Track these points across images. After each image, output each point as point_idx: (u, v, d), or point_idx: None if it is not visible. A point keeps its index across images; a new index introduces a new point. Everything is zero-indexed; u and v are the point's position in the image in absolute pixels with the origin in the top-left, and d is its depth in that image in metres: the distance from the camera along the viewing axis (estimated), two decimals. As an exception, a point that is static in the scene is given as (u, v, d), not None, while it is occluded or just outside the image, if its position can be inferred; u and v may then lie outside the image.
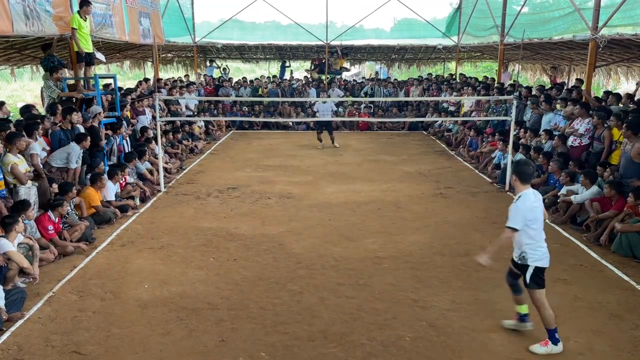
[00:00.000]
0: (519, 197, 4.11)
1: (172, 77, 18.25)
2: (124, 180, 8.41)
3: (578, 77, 14.28)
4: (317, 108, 14.07)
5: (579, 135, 8.49)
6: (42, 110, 9.41)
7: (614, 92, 10.04)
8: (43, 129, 7.57)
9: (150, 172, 9.51)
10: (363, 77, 22.63)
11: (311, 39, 18.99)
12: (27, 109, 8.36)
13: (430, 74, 20.34)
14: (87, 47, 9.12)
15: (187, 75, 20.07)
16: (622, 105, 9.05)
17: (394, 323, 4.60)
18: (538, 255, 4.08)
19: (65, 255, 6.09)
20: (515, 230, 4.04)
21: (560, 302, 4.98)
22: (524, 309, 4.40)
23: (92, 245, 6.49)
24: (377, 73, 25.90)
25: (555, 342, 4.13)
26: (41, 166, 6.81)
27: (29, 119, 7.45)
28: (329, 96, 17.90)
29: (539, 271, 4.10)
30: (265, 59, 24.36)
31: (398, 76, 23.15)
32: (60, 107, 8.12)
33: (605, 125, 7.99)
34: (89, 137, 7.81)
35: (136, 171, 9.14)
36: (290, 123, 16.62)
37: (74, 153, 7.41)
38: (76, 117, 7.96)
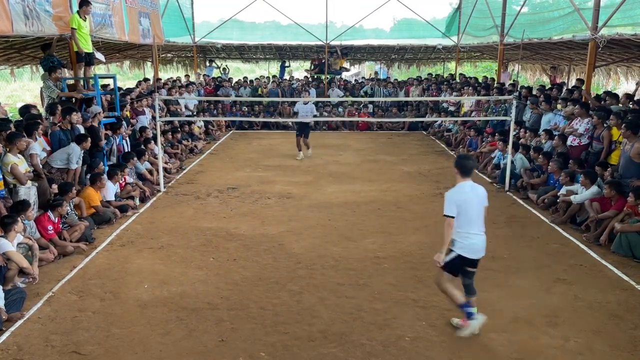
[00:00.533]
0: (455, 186, 4.31)
1: (172, 77, 18.24)
2: (123, 180, 8.41)
3: (578, 77, 14.28)
4: (298, 109, 12.12)
5: (578, 135, 8.50)
6: (42, 110, 9.40)
7: (612, 92, 10.04)
8: (43, 129, 7.56)
9: (150, 172, 9.51)
10: (362, 77, 22.63)
11: (311, 39, 18.99)
12: (26, 109, 8.35)
13: (430, 74, 20.34)
14: (87, 47, 9.11)
15: (187, 75, 20.07)
16: (621, 106, 9.06)
17: (394, 323, 4.60)
18: (464, 244, 4.24)
19: (65, 255, 6.09)
20: (450, 217, 4.19)
21: (560, 302, 4.99)
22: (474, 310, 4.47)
23: (92, 245, 6.49)
24: (376, 73, 25.90)
25: (470, 315, 4.29)
26: (41, 166, 6.81)
27: (28, 119, 7.44)
28: (328, 96, 17.95)
29: (459, 259, 4.26)
30: (265, 59, 24.35)
31: (398, 76, 23.16)
32: (59, 107, 8.11)
33: (605, 125, 7.99)
34: (89, 138, 7.80)
35: (136, 171, 9.14)
36: (290, 123, 16.61)
37: (75, 154, 7.41)
38: (76, 117, 7.95)
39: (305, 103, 12.08)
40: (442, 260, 4.25)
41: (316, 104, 17.20)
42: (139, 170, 9.21)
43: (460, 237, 4.24)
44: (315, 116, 12.50)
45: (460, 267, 4.32)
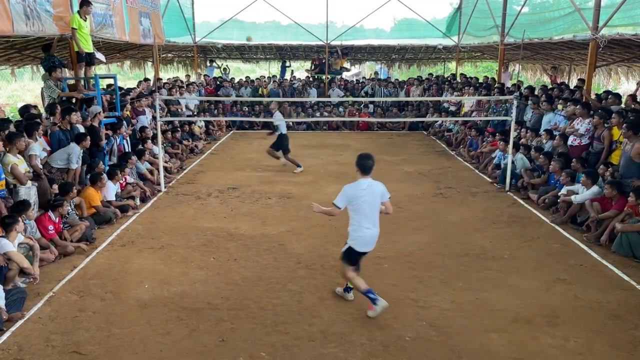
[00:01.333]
0: (354, 182, 4.61)
1: (172, 78, 18.24)
2: (124, 180, 8.41)
3: (579, 77, 14.27)
4: (279, 122, 11.09)
5: (579, 135, 8.49)
6: (42, 110, 9.41)
7: (614, 92, 10.03)
8: (43, 129, 7.57)
9: (151, 172, 9.52)
10: (363, 77, 22.63)
11: (311, 39, 19.00)
12: (26, 109, 8.36)
13: (430, 74, 20.33)
14: (88, 47, 9.12)
15: (188, 76, 20.08)
16: (624, 106, 9.05)
17: (394, 323, 4.60)
18: (354, 236, 4.60)
19: (65, 255, 6.09)
20: (337, 207, 4.55)
21: (560, 302, 4.99)
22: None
23: (93, 245, 6.49)
24: (376, 73, 25.90)
25: (374, 301, 4.53)
26: (40, 166, 6.81)
27: (28, 119, 7.46)
28: (328, 96, 17.95)
29: (351, 251, 4.62)
30: (266, 59, 24.36)
31: (398, 76, 23.16)
32: (59, 108, 8.12)
33: (606, 125, 7.99)
34: (88, 137, 7.81)
35: (137, 171, 9.14)
36: (291, 123, 16.61)
37: (74, 154, 7.42)
38: (75, 117, 7.94)
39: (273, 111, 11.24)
40: (315, 208, 4.75)
41: (317, 103, 17.29)
42: (139, 170, 9.22)
43: (354, 229, 4.61)
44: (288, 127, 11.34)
45: (354, 257, 4.68)
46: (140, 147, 9.86)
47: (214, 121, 15.60)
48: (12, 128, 6.62)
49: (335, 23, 20.39)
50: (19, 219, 5.42)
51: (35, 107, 8.74)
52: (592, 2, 9.80)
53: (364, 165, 4.59)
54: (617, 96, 9.55)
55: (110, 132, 9.22)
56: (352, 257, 4.67)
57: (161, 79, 15.66)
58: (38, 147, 6.90)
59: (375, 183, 4.65)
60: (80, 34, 8.72)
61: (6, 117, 8.45)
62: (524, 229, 7.14)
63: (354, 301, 5.00)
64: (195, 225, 7.23)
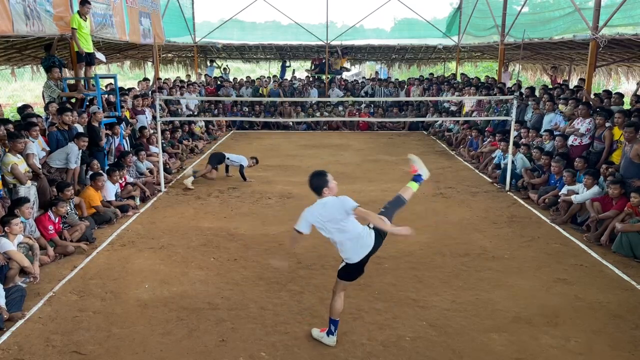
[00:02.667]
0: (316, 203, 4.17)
1: (173, 77, 18.23)
2: (123, 180, 8.41)
3: (580, 77, 14.27)
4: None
5: (579, 135, 8.49)
6: (42, 110, 9.42)
7: (613, 92, 10.03)
8: (41, 129, 7.54)
9: (150, 171, 9.51)
10: (363, 77, 22.63)
11: (311, 39, 19.00)
12: (24, 109, 8.37)
13: (431, 74, 20.33)
14: (88, 47, 9.13)
15: (188, 75, 20.08)
16: (630, 106, 9.04)
17: (394, 323, 4.60)
18: (345, 256, 4.19)
19: (65, 255, 6.09)
20: (299, 232, 4.11)
21: (560, 302, 4.99)
22: None
23: (93, 245, 6.49)
24: (377, 73, 25.90)
25: (332, 332, 4.23)
26: (38, 166, 6.79)
27: (24, 119, 7.46)
28: (328, 96, 17.95)
29: (348, 267, 4.23)
30: (266, 59, 24.37)
31: (398, 76, 23.16)
32: (55, 107, 8.10)
33: (607, 125, 7.99)
34: (87, 138, 7.78)
35: (137, 170, 9.14)
36: (291, 123, 16.63)
37: (73, 153, 7.41)
38: (69, 117, 7.85)
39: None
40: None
41: (317, 103, 17.29)
42: (140, 170, 9.21)
43: (340, 251, 4.23)
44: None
45: (354, 272, 4.30)
46: (139, 147, 9.85)
47: (214, 121, 15.60)
48: (10, 128, 6.62)
49: (335, 23, 20.42)
50: (17, 213, 5.42)
51: (29, 107, 8.74)
52: (592, 2, 9.81)
53: (311, 185, 4.18)
54: (620, 96, 9.54)
55: (109, 132, 9.21)
56: (351, 272, 4.25)
57: (161, 79, 15.66)
58: (35, 147, 6.89)
59: (330, 201, 4.18)
60: (80, 34, 8.73)
61: (6, 117, 8.44)
62: (524, 229, 7.14)
63: (354, 301, 5.00)
64: (196, 225, 7.22)
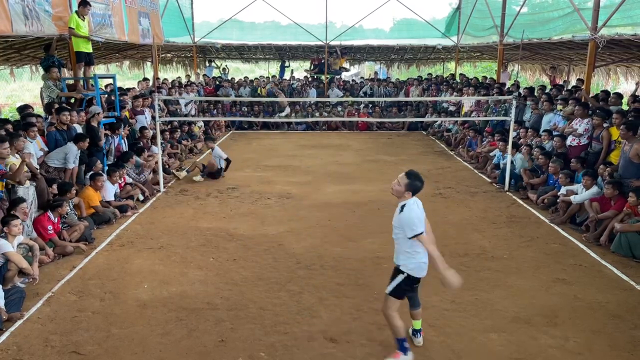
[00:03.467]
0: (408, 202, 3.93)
1: (173, 77, 18.21)
2: (123, 180, 8.40)
3: (579, 77, 14.28)
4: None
5: (577, 135, 8.50)
6: (41, 110, 9.39)
7: (610, 92, 10.04)
8: (39, 129, 7.52)
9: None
10: (361, 77, 22.63)
11: (311, 39, 19.00)
12: (23, 109, 8.35)
13: (430, 74, 20.34)
14: (87, 47, 9.12)
15: (188, 75, 20.07)
16: (627, 107, 9.05)
17: (393, 323, 4.59)
18: (413, 263, 3.93)
19: (64, 255, 6.09)
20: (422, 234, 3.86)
21: (559, 302, 4.99)
22: (417, 324, 4.29)
23: (92, 245, 6.48)
24: (376, 73, 25.90)
25: (405, 351, 3.99)
26: (36, 166, 6.77)
27: (24, 119, 7.44)
28: (328, 96, 17.95)
29: (409, 280, 3.95)
30: (265, 59, 24.36)
31: (398, 76, 23.17)
32: (54, 107, 8.08)
33: (605, 125, 7.99)
34: (87, 139, 7.78)
35: (136, 170, 9.12)
36: (293, 124, 16.63)
37: (72, 153, 7.38)
38: (66, 116, 7.81)
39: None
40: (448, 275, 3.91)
41: (316, 103, 17.29)
42: (137, 163, 9.17)
43: (409, 256, 3.96)
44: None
45: (409, 287, 4.05)
46: (140, 146, 9.84)
47: (213, 121, 15.59)
48: (9, 128, 6.60)
49: (334, 23, 20.43)
50: (17, 215, 5.42)
51: (29, 107, 8.71)
52: (591, 2, 9.82)
53: (416, 186, 3.89)
54: (619, 96, 9.54)
55: (109, 132, 9.20)
56: (407, 287, 4.00)
57: (159, 79, 15.64)
58: (33, 146, 6.88)
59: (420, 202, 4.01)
60: (78, 33, 8.72)
61: (5, 117, 8.42)
62: (523, 229, 7.14)
63: (353, 301, 5.00)
64: (195, 226, 7.22)
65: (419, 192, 3.96)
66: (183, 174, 9.97)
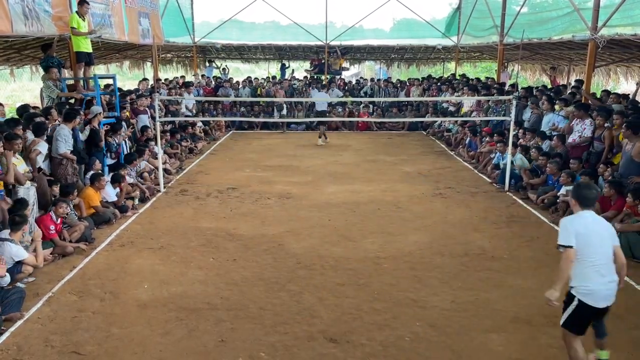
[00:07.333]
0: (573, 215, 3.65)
1: (173, 78, 18.21)
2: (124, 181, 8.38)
3: (578, 77, 14.29)
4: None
5: (577, 135, 8.49)
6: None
7: (613, 92, 10.04)
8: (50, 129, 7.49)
9: (149, 172, 9.49)
10: (361, 78, 22.63)
11: (311, 39, 19.00)
12: (24, 109, 8.33)
13: (429, 76, 20.33)
14: (87, 47, 9.12)
15: (183, 77, 20.04)
16: (621, 105, 9.06)
17: (393, 323, 4.59)
18: (585, 287, 3.50)
19: (64, 255, 6.08)
20: (567, 247, 3.47)
21: (560, 302, 4.98)
22: (603, 354, 3.80)
23: (92, 245, 6.48)
24: (373, 79, 25.86)
25: None
26: (38, 163, 6.74)
27: (28, 119, 7.41)
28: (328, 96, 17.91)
29: (582, 308, 3.52)
30: (265, 59, 24.36)
31: (398, 76, 23.18)
32: (55, 111, 8.01)
33: (606, 125, 7.99)
34: (79, 116, 7.65)
35: (135, 170, 9.11)
36: (280, 123, 16.63)
37: (61, 135, 7.17)
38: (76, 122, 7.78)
39: None
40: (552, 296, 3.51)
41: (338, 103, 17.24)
42: (139, 168, 9.17)
43: (582, 279, 3.54)
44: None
45: (586, 318, 3.59)
46: (142, 146, 9.82)
47: (213, 121, 15.58)
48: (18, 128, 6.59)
49: (334, 23, 20.41)
50: (28, 219, 5.48)
51: (30, 107, 8.69)
52: (591, 2, 9.82)
53: (586, 196, 3.57)
54: (617, 96, 9.54)
55: (117, 140, 9.12)
56: (584, 317, 3.55)
57: (160, 79, 15.63)
58: (44, 146, 6.89)
59: (602, 219, 3.67)
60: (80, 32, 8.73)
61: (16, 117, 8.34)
62: (523, 229, 7.14)
63: (353, 301, 4.99)
64: (195, 226, 7.22)
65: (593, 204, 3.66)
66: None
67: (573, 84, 13.01)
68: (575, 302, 3.52)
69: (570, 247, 3.46)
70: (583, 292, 3.51)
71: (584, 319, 3.55)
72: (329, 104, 17.17)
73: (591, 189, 3.66)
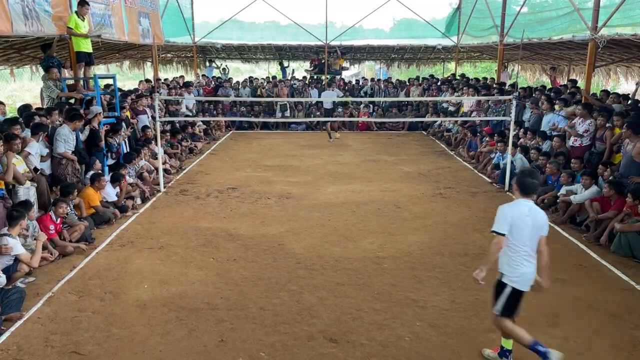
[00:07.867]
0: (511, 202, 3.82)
1: (173, 78, 18.21)
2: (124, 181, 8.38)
3: (577, 77, 14.28)
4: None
5: (577, 135, 8.49)
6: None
7: (612, 92, 10.03)
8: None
9: (149, 171, 9.48)
10: (362, 78, 22.63)
11: (311, 39, 18.99)
12: (25, 109, 8.33)
13: (431, 76, 20.33)
14: (86, 47, 9.12)
15: (182, 77, 20.05)
16: (622, 106, 9.05)
17: (393, 323, 4.60)
18: (516, 274, 3.71)
19: (64, 255, 6.08)
20: (499, 234, 3.68)
21: (560, 302, 4.99)
22: (508, 344, 3.95)
23: (92, 245, 6.48)
24: (376, 74, 25.89)
25: (545, 355, 3.71)
26: (33, 165, 6.73)
27: (27, 118, 7.42)
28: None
29: (514, 294, 3.75)
30: (265, 59, 24.35)
31: (398, 76, 23.17)
32: (56, 111, 8.01)
33: (608, 125, 7.99)
34: (82, 118, 7.65)
35: (135, 169, 9.11)
36: (276, 123, 16.64)
37: (60, 135, 7.19)
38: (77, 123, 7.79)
39: None
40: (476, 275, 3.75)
41: (316, 103, 17.28)
42: (137, 167, 9.16)
43: (513, 264, 3.72)
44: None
45: (516, 301, 3.81)
46: (141, 146, 9.83)
47: (213, 121, 15.58)
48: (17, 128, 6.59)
49: (334, 23, 20.43)
50: (25, 214, 5.45)
51: (38, 108, 8.69)
52: (591, 2, 9.81)
53: (527, 184, 3.69)
54: (618, 96, 9.53)
55: (116, 140, 9.12)
56: (515, 301, 3.77)
57: (160, 79, 15.63)
58: (36, 146, 6.87)
59: (538, 210, 3.75)
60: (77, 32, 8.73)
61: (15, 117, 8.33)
62: (523, 229, 7.13)
63: (353, 301, 4.99)
64: (195, 226, 7.22)
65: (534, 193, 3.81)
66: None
67: (568, 84, 12.97)
68: (508, 290, 3.77)
69: (503, 235, 3.68)
70: (515, 279, 3.74)
71: (517, 302, 3.82)
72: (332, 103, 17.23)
73: (534, 177, 3.74)
